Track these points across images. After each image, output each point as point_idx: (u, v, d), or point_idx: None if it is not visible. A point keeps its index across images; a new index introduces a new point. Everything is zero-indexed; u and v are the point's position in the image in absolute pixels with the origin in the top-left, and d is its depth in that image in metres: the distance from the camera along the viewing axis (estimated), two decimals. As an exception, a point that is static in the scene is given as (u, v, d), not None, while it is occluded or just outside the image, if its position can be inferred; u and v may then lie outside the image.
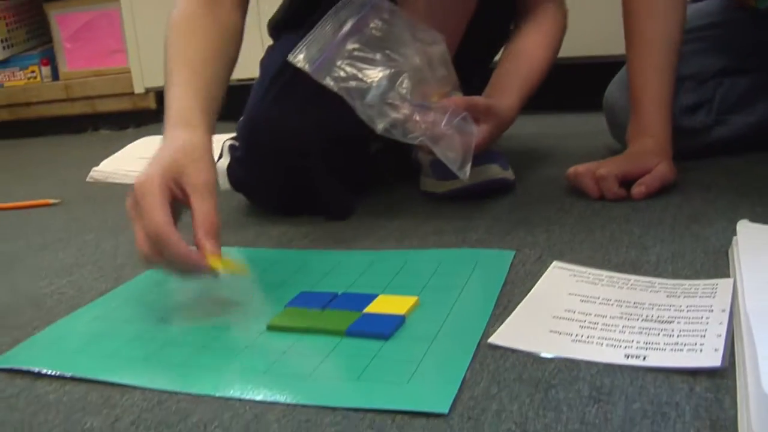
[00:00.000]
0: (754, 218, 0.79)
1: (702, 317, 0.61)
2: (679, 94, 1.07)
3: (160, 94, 2.08)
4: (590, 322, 0.63)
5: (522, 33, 1.09)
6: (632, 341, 0.59)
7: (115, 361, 0.65)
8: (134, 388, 0.60)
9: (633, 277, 0.71)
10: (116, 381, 0.61)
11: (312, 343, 0.64)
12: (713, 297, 0.65)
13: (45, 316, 0.77)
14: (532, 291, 0.70)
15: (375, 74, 0.86)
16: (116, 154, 1.56)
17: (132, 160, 1.50)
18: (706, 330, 0.59)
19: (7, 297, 0.85)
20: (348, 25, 0.87)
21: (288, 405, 0.55)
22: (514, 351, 0.60)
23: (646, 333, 0.60)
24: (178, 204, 0.73)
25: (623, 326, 0.61)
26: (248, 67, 1.00)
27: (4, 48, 2.21)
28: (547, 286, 0.71)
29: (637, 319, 0.62)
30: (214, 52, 0.89)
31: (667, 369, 0.55)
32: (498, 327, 0.63)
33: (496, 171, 1.01)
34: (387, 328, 0.64)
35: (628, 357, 0.57)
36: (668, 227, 0.85)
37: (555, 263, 0.76)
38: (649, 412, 0.50)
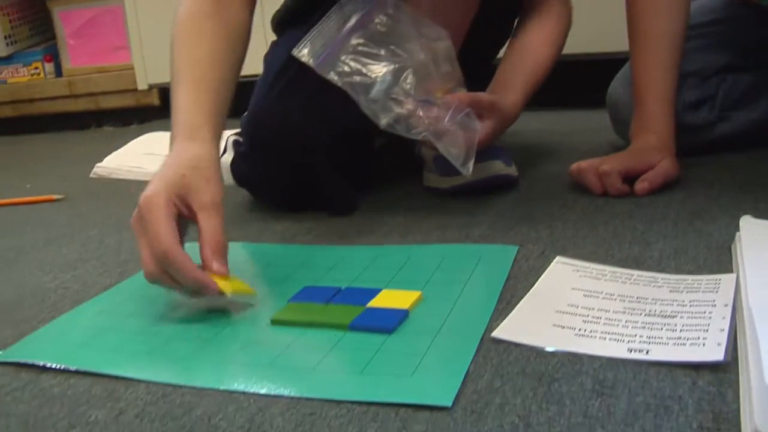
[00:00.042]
0: (757, 214, 0.79)
1: (705, 312, 0.61)
2: (682, 90, 1.07)
3: (163, 91, 2.08)
4: (593, 317, 0.63)
5: (526, 29, 1.09)
6: (635, 335, 0.59)
7: (119, 354, 0.65)
8: (138, 381, 0.60)
9: (636, 272, 0.71)
10: (120, 374, 0.61)
11: (316, 337, 0.65)
12: (716, 292, 0.65)
13: (49, 311, 0.77)
14: (535, 286, 0.70)
15: (379, 69, 0.86)
16: (120, 150, 1.56)
17: (135, 156, 1.49)
18: (708, 325, 0.59)
19: (12, 291, 0.85)
20: (352, 21, 0.87)
21: (292, 398, 0.55)
22: (517, 345, 0.60)
23: (649, 327, 0.60)
24: (184, 220, 0.72)
25: (626, 321, 0.61)
26: (252, 63, 1.00)
27: (7, 44, 2.21)
28: (550, 281, 0.71)
29: (640, 314, 0.62)
30: (222, 53, 0.87)
31: (670, 363, 0.55)
32: (501, 321, 0.64)
33: (499, 167, 1.01)
34: (390, 322, 0.65)
35: (631, 351, 0.57)
36: (671, 223, 0.85)
37: (558, 258, 0.76)
38: (652, 405, 0.50)
